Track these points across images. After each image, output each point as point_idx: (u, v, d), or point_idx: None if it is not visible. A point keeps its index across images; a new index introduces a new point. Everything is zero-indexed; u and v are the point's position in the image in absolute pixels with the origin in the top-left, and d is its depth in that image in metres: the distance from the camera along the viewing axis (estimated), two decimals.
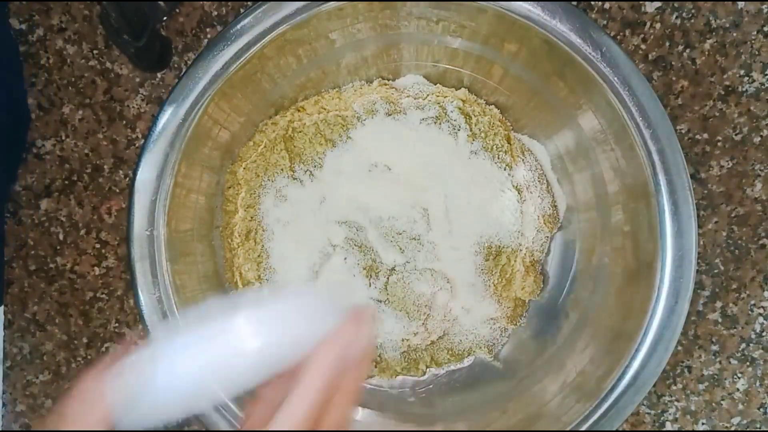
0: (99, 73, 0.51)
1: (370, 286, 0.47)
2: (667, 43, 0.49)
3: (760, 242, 0.50)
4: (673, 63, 0.49)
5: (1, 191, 0.50)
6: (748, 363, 0.51)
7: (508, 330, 0.49)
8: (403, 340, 0.48)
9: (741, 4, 0.48)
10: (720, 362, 0.51)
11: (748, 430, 0.52)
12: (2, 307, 0.52)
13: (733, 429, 0.52)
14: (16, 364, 0.53)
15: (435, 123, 0.46)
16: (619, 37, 0.49)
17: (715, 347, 0.51)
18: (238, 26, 0.39)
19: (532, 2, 0.38)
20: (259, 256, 0.47)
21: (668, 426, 0.52)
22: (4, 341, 0.52)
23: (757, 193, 0.50)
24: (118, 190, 0.51)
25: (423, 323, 0.48)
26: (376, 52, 0.46)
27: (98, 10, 0.50)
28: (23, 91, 0.50)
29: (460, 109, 0.47)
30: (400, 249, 0.47)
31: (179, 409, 0.27)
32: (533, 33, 0.39)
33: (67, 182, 0.51)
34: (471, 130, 0.46)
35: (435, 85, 0.48)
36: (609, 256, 0.44)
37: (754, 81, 0.49)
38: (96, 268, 0.52)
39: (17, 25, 0.50)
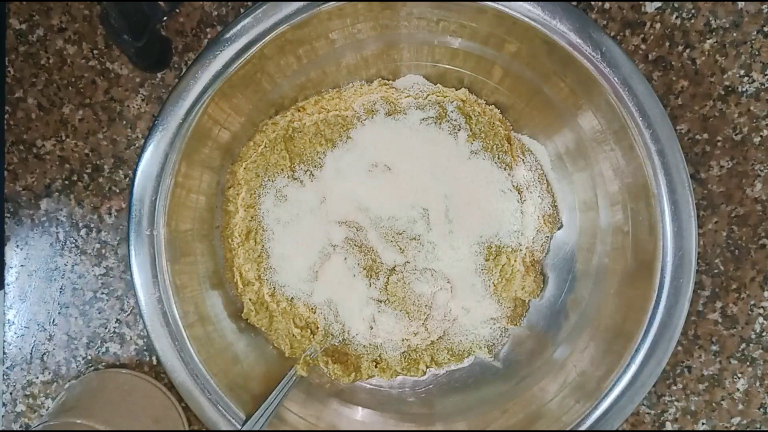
0: (99, 73, 0.51)
1: (370, 286, 0.47)
2: (667, 43, 0.49)
3: (760, 242, 0.50)
4: (673, 63, 0.49)
5: None
6: (748, 363, 0.51)
7: (508, 330, 0.49)
8: (403, 340, 0.48)
9: (741, 4, 0.48)
10: (720, 362, 0.51)
11: (748, 430, 0.52)
12: (2, 306, 0.52)
13: (733, 429, 0.52)
14: (16, 364, 0.53)
15: (435, 123, 0.46)
16: (619, 37, 0.49)
17: (715, 347, 0.51)
18: (238, 26, 0.39)
19: (532, 2, 0.38)
20: (259, 256, 0.47)
21: (668, 426, 0.52)
22: (4, 341, 0.52)
23: (757, 193, 0.50)
24: (118, 190, 0.51)
25: (423, 323, 0.48)
26: (376, 52, 0.46)
27: (98, 10, 0.50)
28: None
29: (460, 109, 0.47)
30: (400, 249, 0.47)
31: None
32: (533, 33, 0.39)
33: (67, 182, 0.51)
34: (471, 130, 0.46)
35: (435, 85, 0.48)
36: (609, 256, 0.44)
37: (754, 81, 0.49)
38: (96, 268, 0.52)
39: (17, 25, 0.50)
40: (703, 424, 0.52)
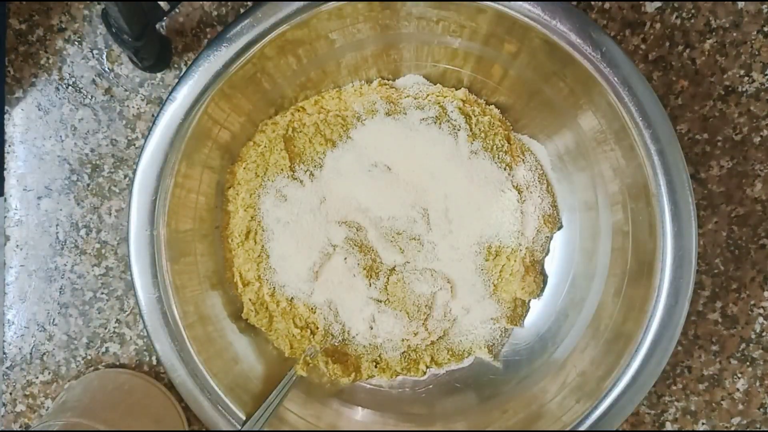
0: (99, 73, 0.51)
1: (370, 286, 0.47)
2: (667, 43, 0.49)
3: (760, 242, 0.50)
4: (673, 63, 0.49)
5: None
6: (748, 363, 0.51)
7: (508, 330, 0.49)
8: (403, 340, 0.48)
9: (741, 4, 0.48)
10: (720, 362, 0.51)
11: (748, 430, 0.52)
12: (2, 306, 0.52)
13: (733, 429, 0.52)
14: (16, 364, 0.53)
15: (435, 123, 0.46)
16: (619, 37, 0.49)
17: (715, 347, 0.51)
18: (238, 26, 0.39)
19: (532, 2, 0.38)
20: (259, 256, 0.47)
21: (668, 426, 0.52)
22: (3, 341, 0.52)
23: (757, 193, 0.50)
24: (118, 190, 0.51)
25: (423, 323, 0.48)
26: (376, 52, 0.46)
27: (98, 10, 0.50)
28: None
29: (460, 109, 0.46)
30: (400, 249, 0.47)
31: None
32: (533, 33, 0.39)
33: (67, 182, 0.51)
34: (471, 130, 0.46)
35: (435, 85, 0.48)
36: (609, 256, 0.44)
37: (754, 81, 0.49)
38: (96, 268, 0.52)
39: (17, 25, 0.50)
40: (703, 424, 0.52)
